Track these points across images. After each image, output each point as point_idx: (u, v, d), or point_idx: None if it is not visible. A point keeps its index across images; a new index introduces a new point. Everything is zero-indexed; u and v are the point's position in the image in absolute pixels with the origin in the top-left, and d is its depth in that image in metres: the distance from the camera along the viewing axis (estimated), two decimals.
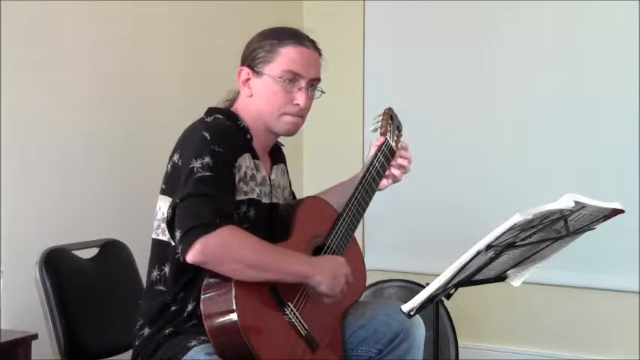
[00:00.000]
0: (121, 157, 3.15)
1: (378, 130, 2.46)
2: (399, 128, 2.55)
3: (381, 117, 2.49)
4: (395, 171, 2.46)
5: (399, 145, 2.49)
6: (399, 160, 2.46)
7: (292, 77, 2.23)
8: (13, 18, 2.72)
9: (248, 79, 2.26)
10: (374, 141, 2.46)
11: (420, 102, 3.92)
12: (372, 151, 2.44)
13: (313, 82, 2.28)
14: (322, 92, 2.32)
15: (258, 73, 2.25)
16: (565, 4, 3.69)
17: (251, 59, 2.26)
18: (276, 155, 2.40)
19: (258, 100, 2.25)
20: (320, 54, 2.30)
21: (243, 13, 3.75)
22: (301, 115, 2.27)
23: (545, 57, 3.75)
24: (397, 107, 2.58)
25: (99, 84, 3.08)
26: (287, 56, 2.23)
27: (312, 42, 2.30)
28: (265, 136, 2.29)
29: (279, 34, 2.26)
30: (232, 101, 2.32)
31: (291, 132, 2.29)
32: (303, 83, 2.25)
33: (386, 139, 2.44)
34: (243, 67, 2.27)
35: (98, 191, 3.05)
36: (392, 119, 2.51)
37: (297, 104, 2.24)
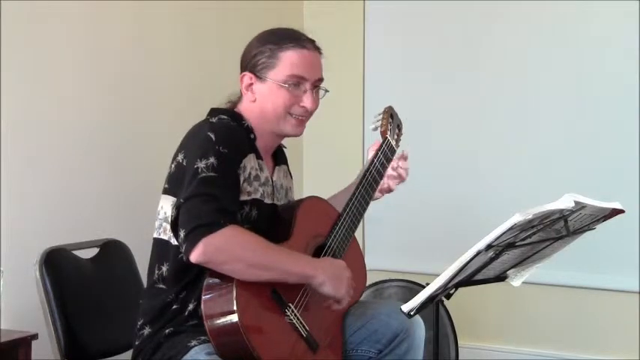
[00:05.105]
0: (121, 158, 3.15)
1: (379, 128, 2.46)
2: (399, 127, 2.55)
3: (381, 115, 2.49)
4: (390, 181, 2.46)
5: (399, 145, 2.49)
6: (399, 170, 2.46)
7: (296, 81, 2.23)
8: (13, 18, 2.72)
9: (251, 84, 2.26)
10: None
11: (419, 101, 3.91)
12: (373, 151, 2.44)
13: (317, 83, 2.28)
14: (326, 91, 2.32)
15: (261, 79, 2.24)
16: (565, 4, 3.68)
17: (252, 65, 2.25)
18: (279, 156, 2.40)
19: (263, 104, 2.24)
20: (320, 53, 2.30)
21: (243, 13, 3.75)
22: (307, 116, 2.28)
23: (544, 57, 3.74)
24: (397, 107, 2.58)
25: (99, 84, 3.08)
26: (289, 60, 2.22)
27: (312, 42, 2.29)
28: (269, 138, 2.29)
29: (278, 38, 2.25)
30: (234, 103, 2.31)
31: (298, 133, 2.29)
32: (307, 86, 2.24)
33: (386, 137, 2.45)
34: (246, 73, 2.26)
35: (98, 191, 3.05)
36: (392, 118, 2.51)
37: (304, 106, 2.25)
